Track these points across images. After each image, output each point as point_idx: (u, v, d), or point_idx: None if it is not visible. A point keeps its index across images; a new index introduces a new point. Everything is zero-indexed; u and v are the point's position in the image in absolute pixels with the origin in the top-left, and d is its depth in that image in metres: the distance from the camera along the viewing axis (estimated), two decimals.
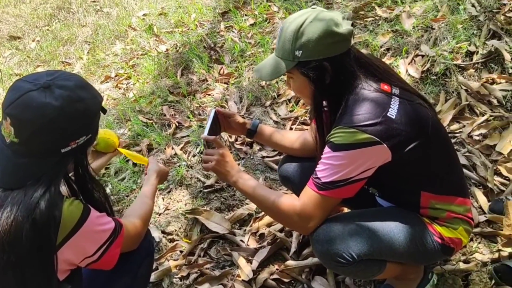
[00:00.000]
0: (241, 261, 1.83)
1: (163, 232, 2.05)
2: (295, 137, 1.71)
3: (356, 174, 1.21)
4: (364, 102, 1.22)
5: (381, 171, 1.25)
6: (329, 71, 1.25)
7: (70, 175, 1.22)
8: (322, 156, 1.26)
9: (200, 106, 2.84)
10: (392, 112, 1.21)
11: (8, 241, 1.01)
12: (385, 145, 1.19)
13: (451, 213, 1.33)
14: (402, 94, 1.28)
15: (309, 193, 1.27)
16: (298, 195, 1.33)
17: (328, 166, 1.23)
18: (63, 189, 1.19)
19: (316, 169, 1.27)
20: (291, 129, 2.48)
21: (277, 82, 2.77)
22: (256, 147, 2.43)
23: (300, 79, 1.30)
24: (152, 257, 1.51)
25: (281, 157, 2.28)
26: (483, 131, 2.11)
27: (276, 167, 2.27)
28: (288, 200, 1.32)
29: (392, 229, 1.28)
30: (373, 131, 1.18)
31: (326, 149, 1.25)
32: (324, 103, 1.34)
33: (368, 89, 1.26)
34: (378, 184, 1.39)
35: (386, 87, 1.27)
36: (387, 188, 1.40)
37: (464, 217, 1.34)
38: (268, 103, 2.70)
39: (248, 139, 2.43)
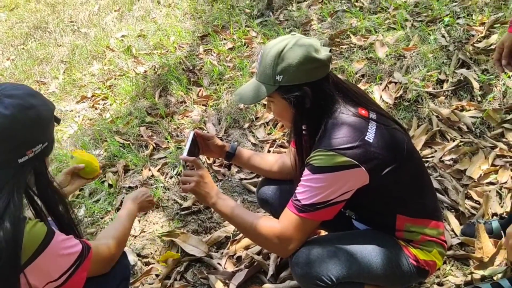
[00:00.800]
0: (218, 285, 1.81)
1: (138, 255, 2.01)
2: (273, 160, 1.73)
3: (335, 196, 1.23)
4: (343, 126, 1.25)
5: (359, 194, 1.28)
6: (309, 96, 1.28)
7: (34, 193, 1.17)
8: (302, 178, 1.28)
9: (178, 127, 2.83)
10: (370, 136, 1.24)
11: None
12: (363, 168, 1.22)
13: (425, 236, 1.36)
14: (378, 118, 1.32)
15: (289, 216, 1.28)
16: (276, 217, 1.34)
17: (308, 188, 1.25)
18: (28, 212, 1.15)
19: (296, 191, 1.28)
20: (269, 151, 2.50)
21: (255, 105, 2.80)
22: (234, 169, 2.44)
23: (281, 103, 1.33)
24: (128, 281, 1.47)
25: (259, 179, 2.29)
26: (453, 156, 2.18)
27: (254, 189, 2.28)
28: (267, 222, 1.33)
29: (370, 252, 1.30)
30: (351, 154, 1.21)
31: (306, 171, 1.27)
32: (303, 126, 1.37)
33: (347, 113, 1.29)
34: (355, 207, 1.42)
35: (363, 112, 1.31)
36: (364, 211, 1.43)
37: (437, 240, 1.38)
38: (246, 125, 2.73)
39: (226, 162, 2.43)
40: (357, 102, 1.34)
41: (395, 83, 2.63)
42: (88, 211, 2.31)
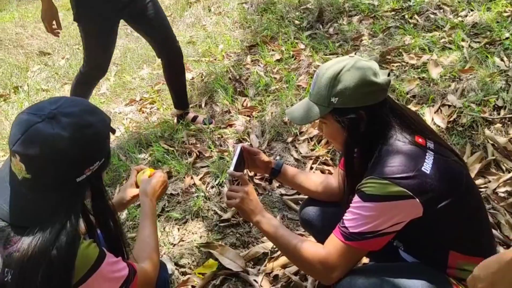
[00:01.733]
0: None
1: (176, 264, 2.02)
2: (318, 180, 1.69)
3: (386, 227, 1.18)
4: (398, 154, 1.20)
5: (410, 225, 1.22)
6: (364, 120, 1.25)
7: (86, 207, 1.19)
8: (351, 204, 1.24)
9: (221, 137, 2.84)
10: (427, 166, 1.19)
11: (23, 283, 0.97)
12: (417, 199, 1.16)
13: None
14: (436, 148, 1.26)
15: (335, 242, 1.24)
16: (318, 240, 1.30)
17: (357, 216, 1.20)
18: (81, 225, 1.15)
19: (344, 217, 1.24)
20: (311, 168, 2.46)
21: None
22: (275, 183, 2.41)
23: (334, 125, 1.30)
24: None
25: (300, 196, 2.26)
26: (509, 188, 2.06)
27: (294, 206, 2.24)
28: (311, 247, 1.29)
29: None
30: (406, 185, 1.15)
31: (356, 198, 1.23)
32: (355, 150, 1.33)
33: (403, 140, 1.24)
34: (405, 238, 1.35)
35: (420, 140, 1.26)
36: (414, 244, 1.36)
37: None
38: (289, 139, 2.69)
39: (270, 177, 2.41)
40: (414, 130, 1.28)
41: (449, 106, 2.52)
42: (130, 215, 2.35)
